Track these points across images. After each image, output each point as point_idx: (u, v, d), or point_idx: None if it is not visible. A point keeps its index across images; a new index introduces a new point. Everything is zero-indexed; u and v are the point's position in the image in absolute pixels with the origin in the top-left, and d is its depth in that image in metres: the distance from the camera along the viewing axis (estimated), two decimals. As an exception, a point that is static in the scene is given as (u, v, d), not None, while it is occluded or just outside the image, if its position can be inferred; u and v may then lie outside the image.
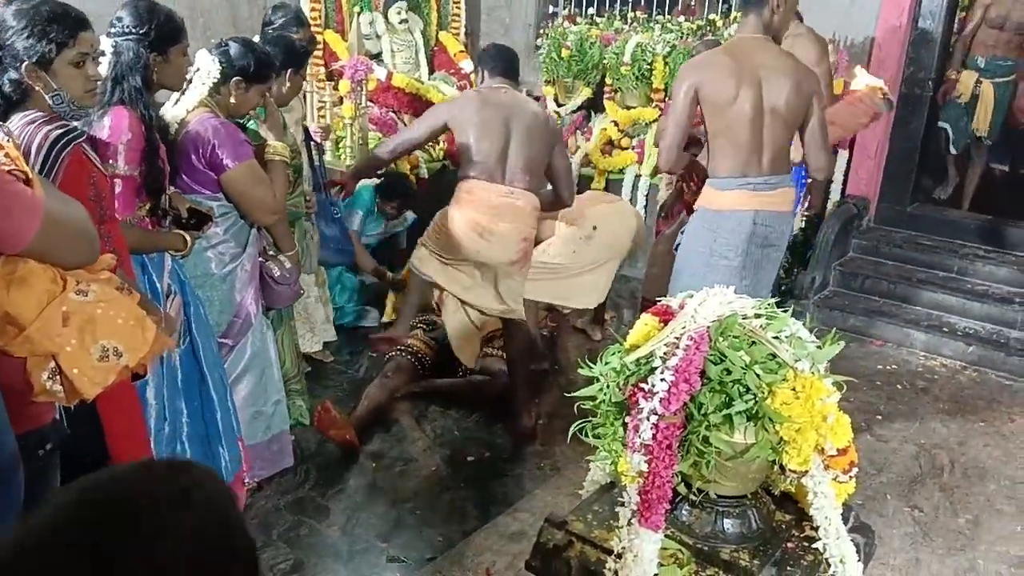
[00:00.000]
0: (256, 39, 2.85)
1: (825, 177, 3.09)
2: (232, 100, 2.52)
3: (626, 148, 5.58)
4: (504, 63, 3.31)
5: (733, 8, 5.53)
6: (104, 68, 2.07)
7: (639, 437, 1.66)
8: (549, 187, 3.47)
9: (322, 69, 5.23)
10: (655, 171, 5.12)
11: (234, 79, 2.48)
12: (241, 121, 2.69)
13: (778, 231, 2.88)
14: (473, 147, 3.19)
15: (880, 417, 3.70)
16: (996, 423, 3.73)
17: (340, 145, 4.71)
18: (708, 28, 5.57)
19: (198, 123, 2.39)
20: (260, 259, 2.68)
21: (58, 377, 1.56)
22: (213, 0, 5.16)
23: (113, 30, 2.13)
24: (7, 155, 1.46)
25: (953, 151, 5.43)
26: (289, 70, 2.92)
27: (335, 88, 4.97)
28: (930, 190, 5.57)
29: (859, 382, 3.96)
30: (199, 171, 2.40)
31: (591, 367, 1.79)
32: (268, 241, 2.76)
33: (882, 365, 4.27)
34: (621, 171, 5.54)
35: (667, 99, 4.85)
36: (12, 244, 1.40)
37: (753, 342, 1.70)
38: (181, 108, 2.42)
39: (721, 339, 1.70)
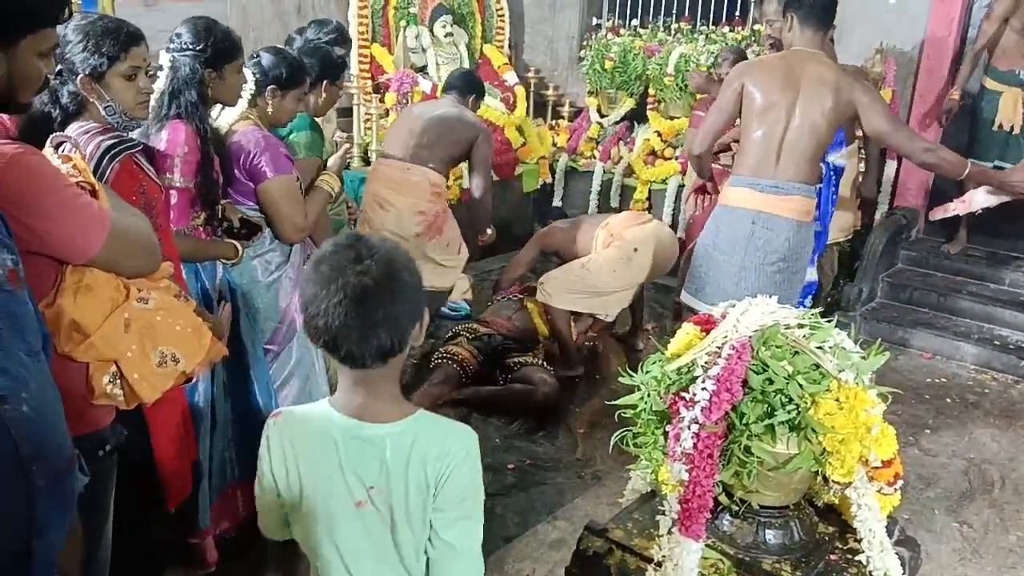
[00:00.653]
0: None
1: (924, 161, 2.93)
2: (269, 109, 2.55)
3: (669, 158, 5.58)
4: (448, 83, 4.05)
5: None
6: (162, 82, 2.15)
7: (680, 446, 1.67)
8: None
9: (369, 82, 5.34)
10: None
11: (269, 88, 2.52)
12: (284, 135, 2.74)
13: (781, 239, 2.89)
14: (387, 138, 3.81)
15: (928, 431, 3.63)
16: (1050, 439, 3.65)
17: (386, 157, 4.78)
18: (752, 38, 5.55)
19: (242, 135, 2.45)
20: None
21: (119, 381, 1.62)
22: (264, 16, 5.29)
23: (172, 46, 2.21)
24: (75, 167, 1.54)
25: None
26: (325, 81, 2.96)
27: (381, 101, 5.07)
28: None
29: (907, 395, 3.90)
30: (240, 182, 2.46)
31: (632, 376, 1.81)
32: (312, 251, 2.82)
33: (931, 378, 4.20)
34: (664, 181, 5.54)
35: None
36: (80, 254, 1.47)
37: (796, 352, 1.70)
38: (223, 121, 2.48)
39: (764, 349, 1.70)
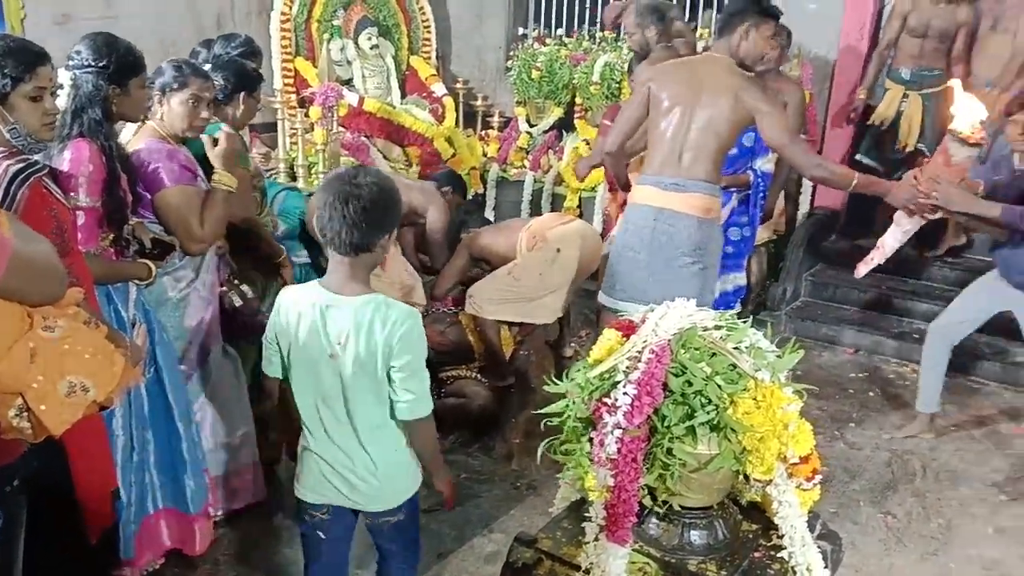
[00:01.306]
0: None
1: (814, 175, 3.05)
2: (159, 116, 2.48)
3: (598, 166, 5.63)
4: (432, 176, 4.64)
5: (698, 26, 5.61)
6: (63, 101, 2.08)
7: (604, 451, 1.68)
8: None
9: (293, 96, 5.27)
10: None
11: (154, 94, 2.46)
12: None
13: (683, 235, 2.95)
14: None
15: (853, 424, 3.74)
16: (967, 427, 3.78)
17: (312, 171, 4.72)
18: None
19: (142, 148, 2.40)
20: (221, 288, 2.67)
21: (26, 414, 1.55)
22: (183, 31, 5.18)
23: (72, 63, 2.14)
24: (-30, 194, 1.47)
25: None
26: (242, 93, 2.90)
27: (306, 115, 5.00)
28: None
29: (832, 390, 4.01)
30: (147, 198, 2.40)
31: (557, 384, 1.81)
32: (232, 270, 2.75)
33: (855, 373, 4.32)
34: (594, 189, 5.59)
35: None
36: None
37: (714, 353, 1.73)
38: (122, 138, 2.41)
39: (682, 351, 1.73)
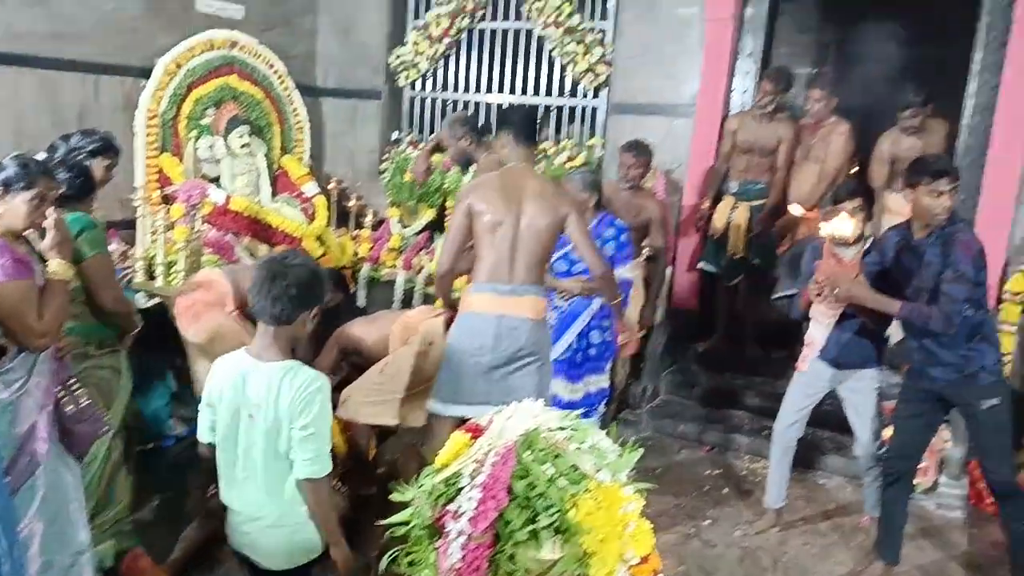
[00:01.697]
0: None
1: (600, 275, 3.25)
2: (0, 215, 2.38)
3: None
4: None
5: (562, 137, 5.91)
6: None
7: (449, 561, 1.67)
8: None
9: (156, 193, 5.15)
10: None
11: None
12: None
13: (523, 337, 3.11)
14: None
15: (708, 521, 3.84)
16: (814, 521, 3.96)
17: (172, 270, 4.59)
18: (541, 155, 5.91)
19: None
20: (59, 393, 2.51)
21: None
22: (41, 125, 5.00)
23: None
24: None
25: (727, 282, 5.33)
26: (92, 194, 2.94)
27: (168, 213, 4.88)
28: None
29: (689, 487, 4.13)
30: None
31: (402, 491, 1.80)
32: (71, 374, 2.59)
33: (710, 470, 4.47)
34: (463, 289, 5.67)
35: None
36: None
37: (557, 455, 1.77)
38: None
39: (527, 453, 1.76)
